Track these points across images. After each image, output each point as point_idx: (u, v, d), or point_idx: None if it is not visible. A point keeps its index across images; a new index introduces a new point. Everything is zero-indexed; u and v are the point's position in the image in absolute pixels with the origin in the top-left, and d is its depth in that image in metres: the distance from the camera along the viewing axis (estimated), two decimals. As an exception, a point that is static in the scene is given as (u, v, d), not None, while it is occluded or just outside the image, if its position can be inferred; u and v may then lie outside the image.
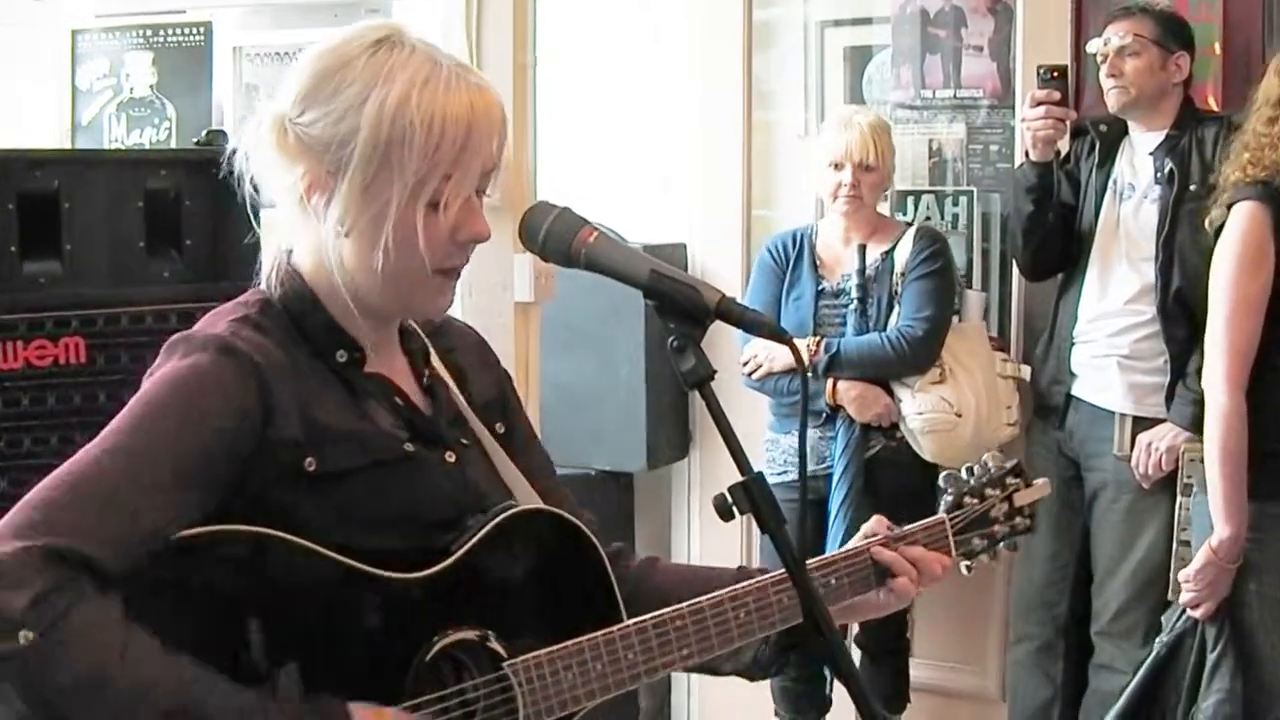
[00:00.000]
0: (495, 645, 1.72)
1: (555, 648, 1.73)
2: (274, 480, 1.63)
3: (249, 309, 1.74)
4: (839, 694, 1.66)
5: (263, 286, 1.78)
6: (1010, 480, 2.18)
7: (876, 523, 2.09)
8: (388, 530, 1.69)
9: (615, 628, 1.78)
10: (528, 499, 1.86)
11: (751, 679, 2.01)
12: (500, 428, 1.93)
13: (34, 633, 1.42)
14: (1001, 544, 2.18)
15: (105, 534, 1.50)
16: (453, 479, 1.80)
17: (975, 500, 2.16)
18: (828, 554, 2.01)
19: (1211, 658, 3.44)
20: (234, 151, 1.78)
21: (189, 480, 1.57)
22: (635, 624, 1.80)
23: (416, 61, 1.68)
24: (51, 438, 2.75)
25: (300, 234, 1.76)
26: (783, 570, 1.89)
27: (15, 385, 2.72)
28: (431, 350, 1.90)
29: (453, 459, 1.81)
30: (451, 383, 1.90)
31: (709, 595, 1.86)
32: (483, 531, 1.72)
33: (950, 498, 2.15)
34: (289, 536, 1.60)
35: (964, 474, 2.17)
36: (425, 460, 1.78)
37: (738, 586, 1.89)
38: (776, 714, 4.28)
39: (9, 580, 1.43)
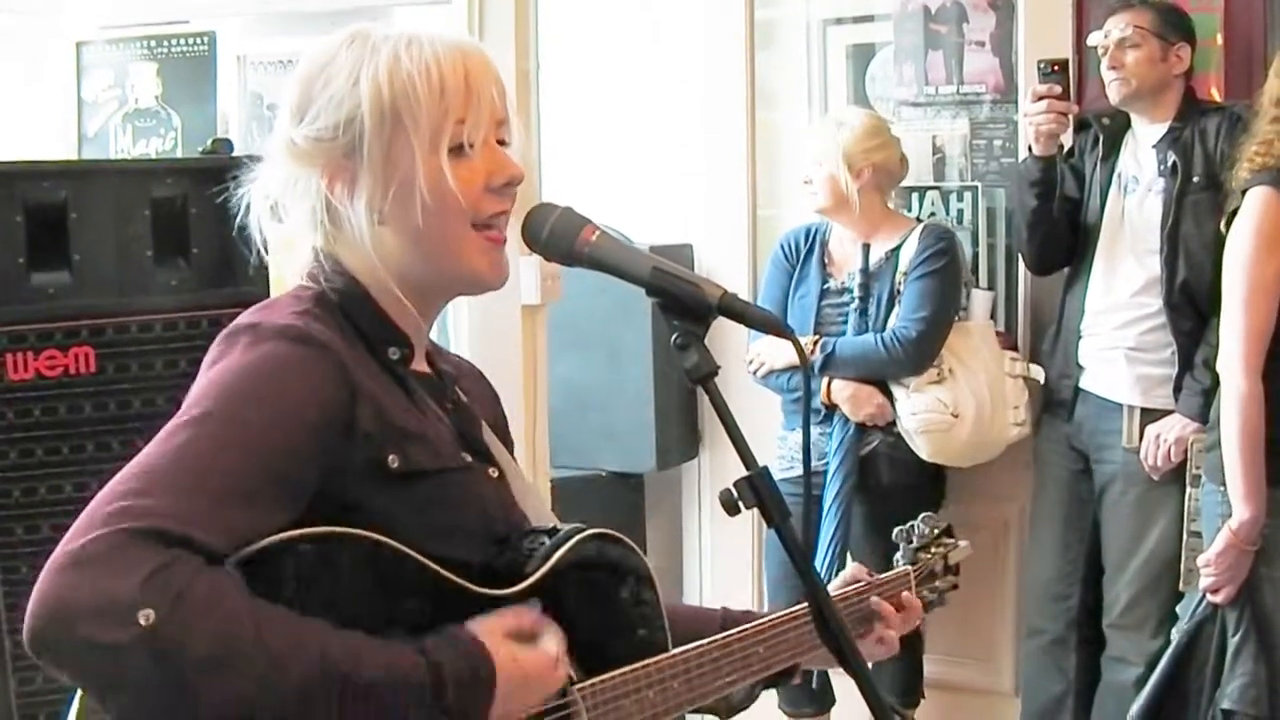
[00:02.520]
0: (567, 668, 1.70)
1: (616, 673, 1.72)
2: (358, 476, 1.57)
3: (306, 301, 1.66)
4: (850, 688, 1.66)
5: (306, 284, 1.71)
6: (945, 540, 2.36)
7: (856, 569, 2.20)
8: (460, 541, 1.65)
9: (665, 656, 1.78)
10: (547, 518, 1.84)
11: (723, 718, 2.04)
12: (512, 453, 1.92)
13: (155, 611, 1.32)
14: (942, 596, 2.34)
15: (208, 522, 1.40)
16: (503, 494, 1.78)
17: (926, 556, 2.31)
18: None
19: (1233, 643, 3.44)
20: (244, 189, 1.75)
21: (283, 476, 1.49)
22: (680, 653, 1.80)
23: (394, 36, 1.67)
24: (63, 447, 2.77)
25: (333, 240, 1.71)
26: (787, 611, 1.98)
27: (26, 396, 2.74)
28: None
29: (495, 474, 1.79)
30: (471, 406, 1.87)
31: (734, 630, 1.90)
32: (562, 550, 1.70)
33: (907, 553, 2.30)
34: (397, 544, 1.54)
35: (911, 532, 2.32)
36: (480, 472, 1.75)
37: (759, 622, 1.94)
38: (780, 707, 4.29)
39: (112, 566, 1.34)
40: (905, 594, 2.19)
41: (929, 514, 2.35)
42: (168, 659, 1.33)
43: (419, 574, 1.56)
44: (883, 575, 2.21)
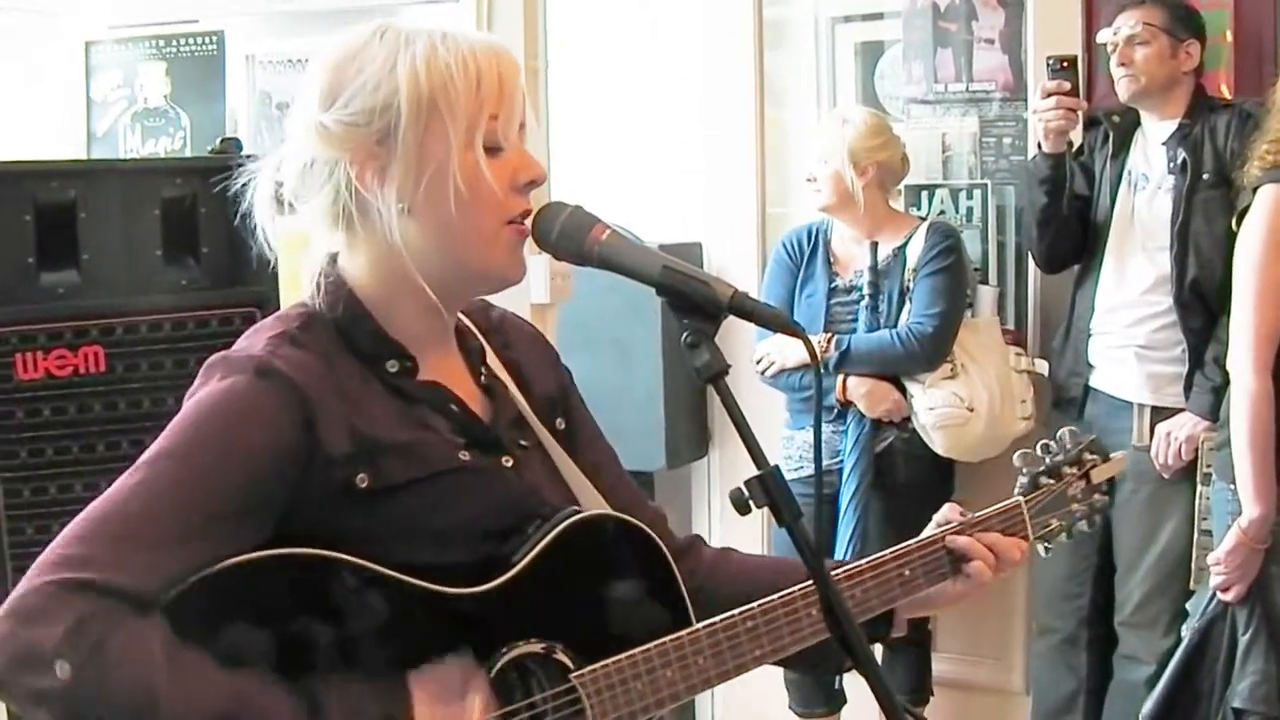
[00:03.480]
0: (561, 657, 1.69)
1: (623, 656, 1.70)
2: (325, 500, 1.59)
3: (290, 323, 1.68)
4: (861, 688, 1.65)
5: (306, 300, 1.72)
6: (1087, 456, 2.12)
7: (950, 509, 2.04)
8: (449, 542, 1.66)
9: (684, 633, 1.75)
10: (591, 499, 1.83)
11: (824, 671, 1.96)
12: (561, 424, 1.89)
13: (71, 664, 1.39)
14: (1081, 523, 2.12)
15: (141, 566, 1.46)
16: (512, 485, 1.76)
17: (1052, 480, 2.10)
18: (901, 545, 1.96)
19: (1243, 641, 3.43)
20: (248, 180, 1.75)
21: (232, 512, 1.53)
22: (705, 628, 1.76)
23: (425, 30, 1.67)
24: (73, 446, 2.77)
25: (348, 237, 1.71)
26: (853, 565, 1.91)
27: (36, 395, 2.74)
28: (488, 349, 1.86)
29: (510, 464, 1.77)
30: (510, 381, 1.85)
31: (782, 593, 1.82)
32: (544, 541, 1.69)
33: (1026, 479, 2.10)
34: (349, 557, 1.56)
35: (1039, 451, 2.11)
36: (483, 468, 1.73)
37: (810, 583, 1.82)
38: (790, 707, 4.29)
39: (40, 617, 1.41)
40: (994, 535, 2.00)
41: (1072, 428, 2.14)
42: (85, 706, 1.41)
43: (377, 584, 1.58)
44: (986, 510, 2.04)
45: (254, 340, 1.67)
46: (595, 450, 1.96)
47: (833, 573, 1.81)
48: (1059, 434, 2.13)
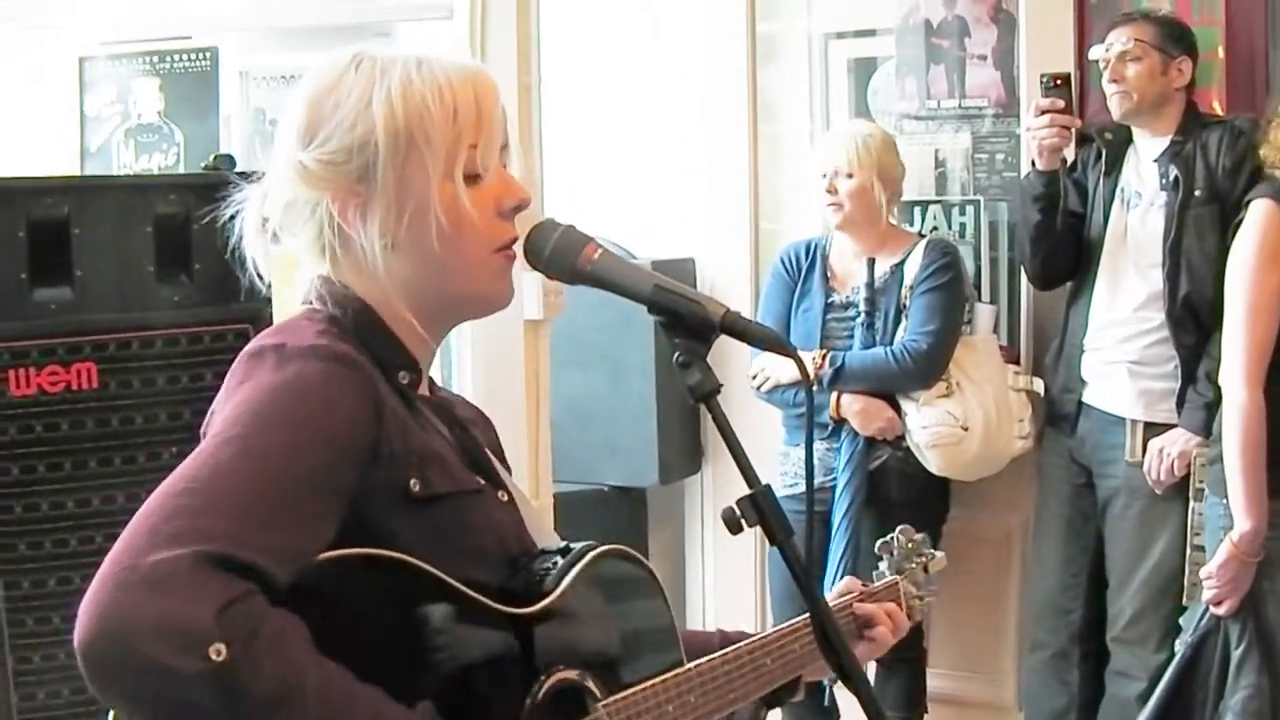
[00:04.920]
0: (591, 685, 1.70)
1: (640, 688, 1.72)
2: (382, 501, 1.56)
3: (322, 322, 1.64)
4: (852, 703, 1.67)
5: (316, 307, 1.67)
6: (925, 550, 2.38)
7: (850, 582, 2.22)
8: (476, 562, 1.64)
9: (682, 670, 1.78)
10: (549, 537, 1.83)
11: None
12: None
13: (228, 647, 1.31)
14: (923, 604, 2.36)
15: (264, 545, 1.38)
16: (512, 516, 1.76)
17: (910, 566, 2.34)
18: (799, 618, 2.05)
19: (1236, 655, 3.44)
20: (238, 209, 1.74)
21: (327, 493, 1.48)
22: (694, 667, 1.80)
23: (400, 57, 1.66)
24: (65, 463, 2.77)
25: (334, 268, 1.68)
26: (790, 623, 1.99)
27: (28, 411, 2.74)
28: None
29: (505, 498, 1.77)
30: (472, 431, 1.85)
31: (744, 643, 1.91)
32: (579, 567, 1.70)
33: (892, 564, 2.34)
34: (425, 565, 1.53)
35: (893, 544, 2.35)
36: (491, 495, 1.74)
37: (766, 634, 1.96)
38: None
39: (187, 591, 1.32)
40: (890, 604, 2.20)
41: (905, 526, 2.39)
42: (234, 694, 1.32)
43: (444, 594, 1.56)
44: (874, 585, 2.24)
45: (294, 334, 1.60)
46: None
47: (746, 643, 1.93)
48: (897, 531, 2.38)
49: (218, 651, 1.30)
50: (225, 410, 1.51)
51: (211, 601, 1.31)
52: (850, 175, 4.12)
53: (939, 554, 2.42)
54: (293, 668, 1.36)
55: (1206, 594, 3.46)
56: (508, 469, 1.90)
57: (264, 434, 1.47)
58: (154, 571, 1.32)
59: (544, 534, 1.83)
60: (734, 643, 1.94)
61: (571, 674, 1.68)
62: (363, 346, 1.64)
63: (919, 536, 2.38)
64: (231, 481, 1.42)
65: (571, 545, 1.76)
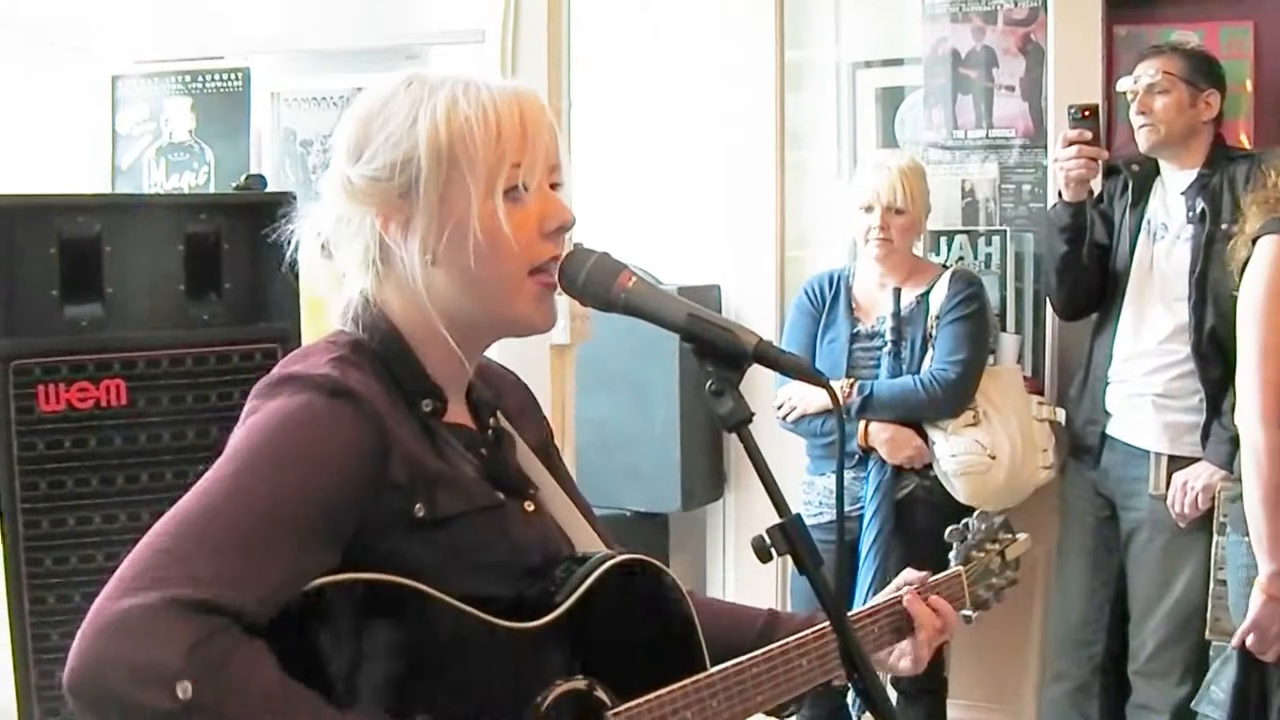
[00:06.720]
0: (601, 694, 1.71)
1: (651, 696, 1.72)
2: (386, 526, 1.59)
3: (342, 349, 1.68)
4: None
5: (345, 328, 1.73)
6: (1003, 535, 2.33)
7: (910, 573, 2.17)
8: (488, 577, 1.67)
9: (702, 675, 1.78)
10: (588, 541, 1.85)
11: None
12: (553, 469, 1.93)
13: (193, 685, 1.37)
14: (1000, 593, 2.32)
15: (242, 585, 1.44)
16: (535, 526, 1.79)
17: (980, 554, 2.29)
18: (869, 604, 2.07)
19: None
20: (296, 225, 1.78)
21: (315, 530, 1.52)
22: (718, 671, 1.80)
23: (450, 79, 1.69)
24: (93, 479, 2.78)
25: (382, 281, 1.73)
26: (818, 627, 1.95)
27: (57, 427, 2.75)
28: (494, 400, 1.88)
29: (531, 508, 1.80)
30: (513, 430, 1.88)
31: (778, 643, 1.89)
32: (589, 580, 1.72)
33: (960, 552, 2.28)
34: (418, 585, 1.56)
35: (966, 530, 2.29)
36: (512, 509, 1.76)
37: (804, 634, 1.92)
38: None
39: (157, 633, 1.38)
40: (943, 601, 2.14)
41: (982, 511, 2.34)
42: None
43: (444, 614, 1.58)
44: (934, 577, 2.19)
45: (309, 363, 1.65)
46: (575, 494, 1.97)
47: (776, 646, 1.90)
48: (974, 516, 2.32)
49: (184, 690, 1.37)
50: (233, 440, 1.57)
51: (181, 641, 1.38)
52: (900, 211, 4.12)
53: (1021, 536, 2.36)
54: (260, 701, 1.42)
55: (1251, 643, 3.38)
56: (553, 452, 1.95)
57: (253, 472, 1.52)
58: (129, 616, 1.40)
59: (581, 534, 1.85)
60: (782, 625, 1.97)
61: (579, 684, 1.70)
62: (385, 372, 1.68)
63: (997, 520, 2.32)
64: (217, 522, 1.48)
65: (589, 555, 1.77)
